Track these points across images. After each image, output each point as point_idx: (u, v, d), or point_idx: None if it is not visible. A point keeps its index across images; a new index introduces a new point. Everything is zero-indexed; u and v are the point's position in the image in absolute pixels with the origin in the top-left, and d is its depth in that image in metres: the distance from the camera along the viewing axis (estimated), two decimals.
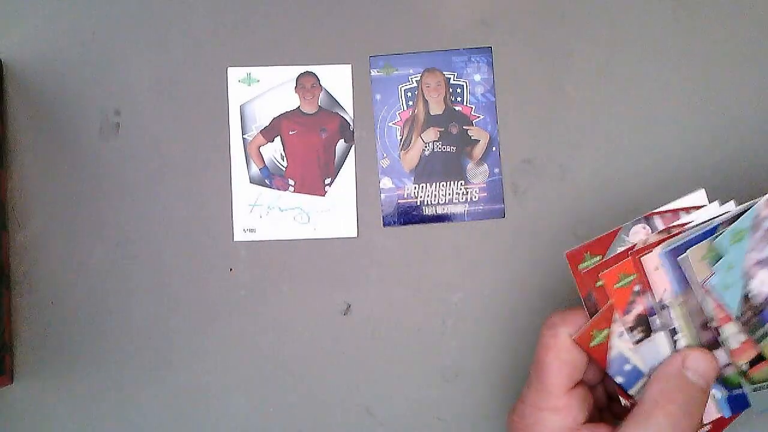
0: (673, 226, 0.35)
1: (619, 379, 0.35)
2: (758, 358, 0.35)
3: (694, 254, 0.33)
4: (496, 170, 0.47)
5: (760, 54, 0.47)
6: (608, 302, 0.34)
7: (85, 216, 0.47)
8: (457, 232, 0.47)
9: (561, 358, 0.35)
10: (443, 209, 0.47)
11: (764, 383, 0.35)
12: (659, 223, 0.35)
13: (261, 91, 0.47)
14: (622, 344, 0.35)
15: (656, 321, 0.35)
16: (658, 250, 0.34)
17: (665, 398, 0.33)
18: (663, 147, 0.46)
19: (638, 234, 0.35)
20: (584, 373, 0.36)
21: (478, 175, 0.47)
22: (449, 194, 0.47)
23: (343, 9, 0.47)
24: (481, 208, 0.47)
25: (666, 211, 0.35)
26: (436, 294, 0.46)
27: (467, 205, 0.47)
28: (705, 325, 0.35)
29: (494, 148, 0.47)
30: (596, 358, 0.35)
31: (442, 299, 0.46)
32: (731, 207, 0.34)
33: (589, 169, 0.46)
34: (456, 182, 0.47)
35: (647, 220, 0.35)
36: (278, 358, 0.46)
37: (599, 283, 0.34)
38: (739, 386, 0.36)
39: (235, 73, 0.47)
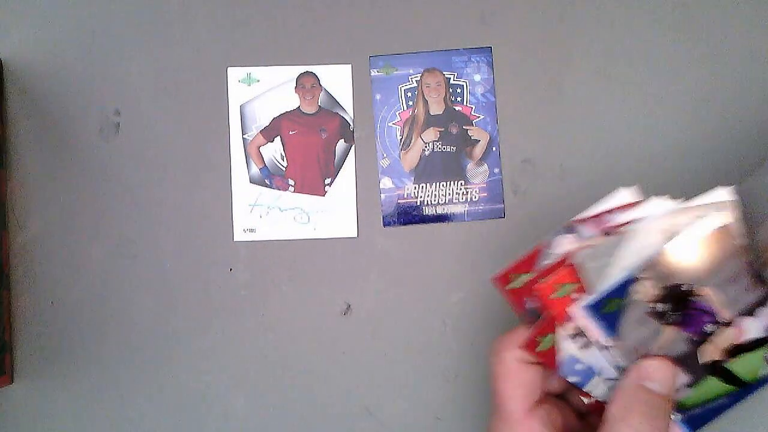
0: (613, 226, 0.34)
1: (572, 379, 0.35)
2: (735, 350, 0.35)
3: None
4: (496, 170, 0.47)
5: (761, 54, 0.47)
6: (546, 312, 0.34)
7: (85, 216, 0.47)
8: (457, 232, 0.47)
9: (511, 382, 0.35)
10: (443, 209, 0.47)
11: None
12: (584, 230, 0.34)
13: (261, 91, 0.47)
14: (570, 346, 0.35)
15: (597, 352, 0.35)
16: (580, 304, 0.33)
17: (627, 411, 0.33)
18: (663, 147, 0.46)
19: (564, 245, 0.34)
20: (547, 385, 0.36)
21: (478, 175, 0.47)
22: (449, 194, 0.47)
23: (343, 9, 0.47)
24: (481, 208, 0.47)
25: (590, 217, 0.34)
26: (436, 294, 0.46)
27: (467, 205, 0.47)
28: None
29: (494, 148, 0.47)
30: (545, 362, 0.35)
31: (442, 299, 0.46)
32: (666, 202, 0.34)
33: (589, 169, 0.46)
34: (456, 182, 0.47)
35: (569, 229, 0.35)
36: (278, 358, 0.46)
37: (532, 299, 0.34)
38: (693, 407, 0.36)
39: (235, 73, 0.47)
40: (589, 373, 0.35)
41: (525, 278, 0.35)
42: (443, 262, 0.46)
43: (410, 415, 0.46)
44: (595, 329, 0.34)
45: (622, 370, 0.34)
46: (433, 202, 0.47)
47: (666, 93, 0.47)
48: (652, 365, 0.34)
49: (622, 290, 0.32)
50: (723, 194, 0.33)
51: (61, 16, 0.47)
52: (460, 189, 0.47)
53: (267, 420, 0.46)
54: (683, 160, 0.46)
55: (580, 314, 0.33)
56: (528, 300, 0.35)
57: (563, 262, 0.33)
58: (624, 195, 0.34)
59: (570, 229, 0.35)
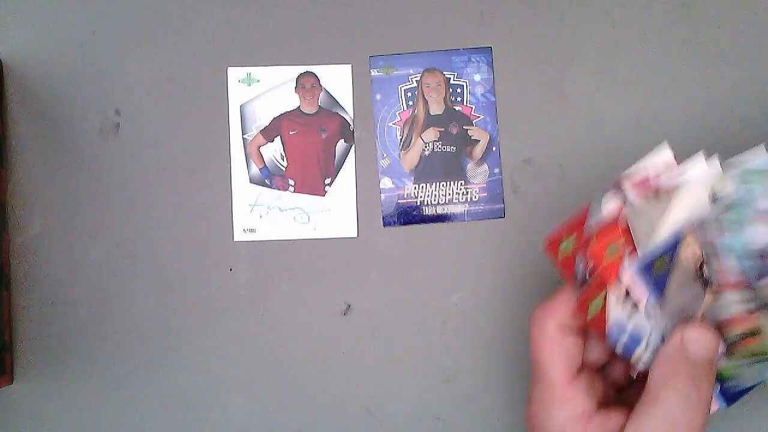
0: (658, 189, 0.34)
1: (619, 348, 0.35)
2: (750, 333, 0.34)
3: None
4: (496, 170, 0.47)
5: (762, 54, 0.47)
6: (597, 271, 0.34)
7: (85, 216, 0.47)
8: (457, 232, 0.47)
9: (553, 350, 0.35)
10: (443, 209, 0.47)
11: (752, 358, 0.35)
12: (628, 186, 0.34)
13: (261, 91, 0.47)
14: (617, 311, 0.34)
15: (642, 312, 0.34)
16: (631, 264, 0.33)
17: (670, 375, 0.33)
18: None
19: (611, 203, 0.34)
20: (587, 355, 0.36)
21: (478, 175, 0.47)
22: (449, 194, 0.47)
23: (343, 9, 0.47)
24: (481, 208, 0.47)
25: (637, 179, 0.34)
26: (436, 294, 0.46)
27: (467, 205, 0.47)
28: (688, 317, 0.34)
29: (494, 148, 0.47)
30: (594, 329, 0.35)
31: (442, 299, 0.46)
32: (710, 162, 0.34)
33: (589, 169, 0.46)
34: (456, 182, 0.47)
35: (617, 185, 0.35)
36: (278, 358, 0.46)
37: (583, 262, 0.34)
38: (729, 379, 0.36)
39: (235, 73, 0.47)
40: (635, 341, 0.35)
41: (573, 241, 0.35)
42: (443, 262, 0.46)
43: (410, 415, 0.46)
44: (643, 291, 0.33)
45: (665, 335, 0.34)
46: (433, 202, 0.47)
47: (666, 93, 0.47)
48: (695, 330, 0.34)
49: (670, 249, 0.32)
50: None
51: (61, 16, 0.47)
52: (460, 189, 0.47)
53: (267, 420, 0.46)
54: (684, 160, 0.46)
55: (630, 274, 0.33)
56: (578, 263, 0.35)
57: (613, 222, 0.33)
58: (667, 152, 0.34)
59: (618, 186, 0.35)
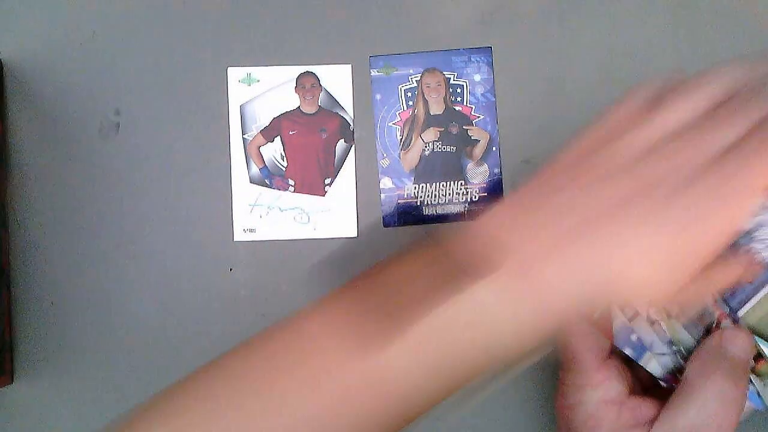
0: None
1: (627, 351, 0.36)
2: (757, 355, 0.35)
3: None
4: (496, 170, 0.47)
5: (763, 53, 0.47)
6: None
7: (85, 216, 0.47)
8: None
9: (582, 336, 0.36)
10: (443, 209, 0.47)
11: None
12: None
13: (261, 91, 0.47)
14: (620, 315, 0.35)
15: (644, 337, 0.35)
16: None
17: (708, 371, 0.33)
18: None
19: None
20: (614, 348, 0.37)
21: (478, 175, 0.47)
22: (449, 194, 0.47)
23: (343, 9, 0.47)
24: (481, 208, 0.47)
25: None
26: None
27: (467, 205, 0.47)
28: (707, 329, 0.35)
29: (494, 148, 0.47)
30: (602, 330, 0.36)
31: None
32: None
33: None
34: (456, 182, 0.47)
35: None
36: None
37: None
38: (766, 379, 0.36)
39: (235, 73, 0.47)
40: (641, 349, 0.35)
41: None
42: None
43: None
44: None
45: (673, 345, 0.35)
46: (433, 202, 0.47)
47: None
48: (734, 331, 0.35)
49: None
50: None
51: (61, 16, 0.47)
52: (460, 189, 0.47)
53: None
54: None
55: None
56: None
57: None
58: None
59: None
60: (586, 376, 0.36)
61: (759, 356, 0.35)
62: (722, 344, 0.34)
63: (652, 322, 0.35)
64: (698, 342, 0.35)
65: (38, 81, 0.47)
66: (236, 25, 0.47)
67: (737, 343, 0.34)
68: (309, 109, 0.47)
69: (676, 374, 0.36)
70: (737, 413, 0.33)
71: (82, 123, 0.47)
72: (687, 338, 0.35)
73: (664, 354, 0.35)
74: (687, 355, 0.35)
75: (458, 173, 0.47)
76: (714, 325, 0.35)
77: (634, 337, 0.35)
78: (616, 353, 0.37)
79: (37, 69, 0.47)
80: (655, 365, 0.35)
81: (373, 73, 0.47)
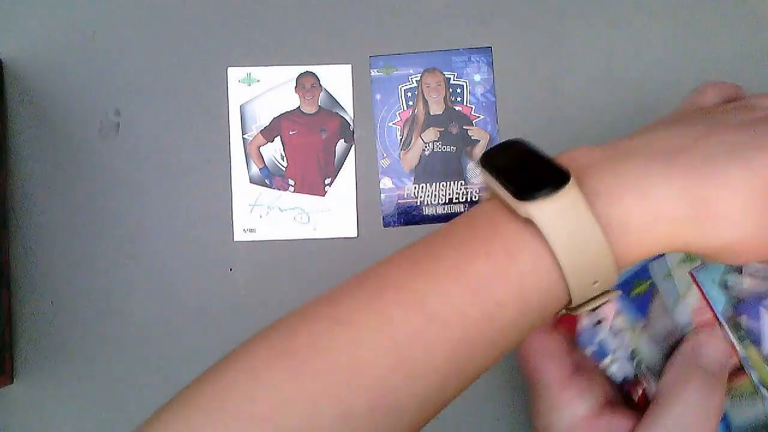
0: None
1: (588, 351, 0.35)
2: (738, 368, 0.34)
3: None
4: None
5: (762, 55, 0.47)
6: None
7: (85, 216, 0.47)
8: None
9: (540, 353, 0.35)
10: (443, 209, 0.47)
11: (744, 395, 0.34)
12: None
13: (261, 91, 0.47)
14: (585, 320, 0.34)
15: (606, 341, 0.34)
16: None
17: (682, 382, 0.32)
18: None
19: None
20: (578, 355, 0.36)
21: (478, 175, 0.47)
22: (449, 194, 0.47)
23: (343, 9, 0.47)
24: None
25: None
26: None
27: (467, 205, 0.47)
28: (673, 346, 0.34)
29: None
30: (565, 329, 0.34)
31: None
32: None
33: None
34: (456, 182, 0.47)
35: None
36: None
37: None
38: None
39: (235, 73, 0.47)
40: (602, 353, 0.35)
41: None
42: None
43: None
44: (612, 310, 0.33)
45: (634, 356, 0.34)
46: (433, 202, 0.47)
47: (666, 93, 0.47)
48: (707, 338, 0.33)
49: (646, 271, 0.32)
50: None
51: (61, 16, 0.47)
52: (460, 189, 0.47)
53: None
54: None
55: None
56: None
57: None
58: None
59: None
60: (552, 399, 0.34)
61: (738, 370, 0.34)
62: (696, 349, 0.33)
63: (616, 332, 0.34)
64: (663, 359, 0.34)
65: (38, 81, 0.47)
66: (236, 25, 0.47)
67: (711, 350, 0.33)
68: (309, 109, 0.47)
69: (635, 382, 0.35)
70: (715, 423, 0.32)
71: (82, 123, 0.47)
72: (650, 353, 0.34)
73: (626, 360, 0.34)
74: (647, 368, 0.34)
75: (458, 173, 0.47)
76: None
77: (597, 339, 0.34)
78: (583, 368, 0.35)
79: (37, 69, 0.47)
80: (615, 370, 0.35)
81: (373, 73, 0.47)
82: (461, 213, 0.46)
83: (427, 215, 0.47)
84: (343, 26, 0.47)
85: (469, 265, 0.27)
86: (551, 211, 0.26)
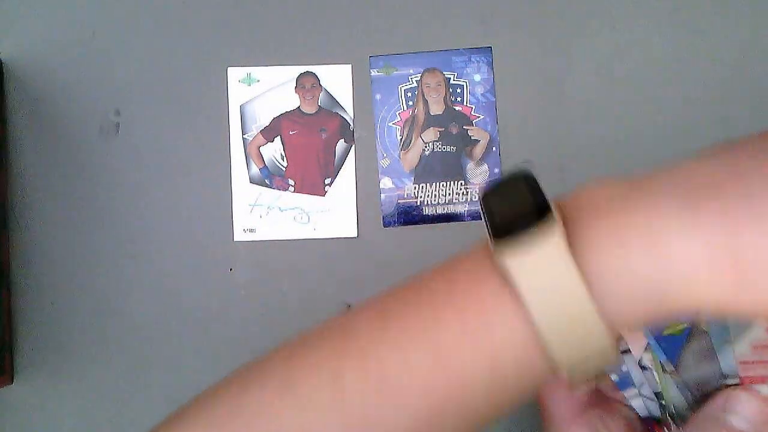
0: None
1: (613, 377, 0.34)
2: None
3: None
4: (496, 170, 0.47)
5: (762, 54, 0.47)
6: None
7: (84, 216, 0.47)
8: (458, 232, 0.46)
9: (554, 388, 0.33)
10: (443, 209, 0.47)
11: None
12: None
13: (261, 91, 0.47)
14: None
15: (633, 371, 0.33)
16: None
17: None
18: (663, 147, 0.46)
19: None
20: (595, 385, 0.34)
21: (478, 175, 0.47)
22: (449, 194, 0.47)
23: (343, 9, 0.47)
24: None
25: None
26: None
27: (467, 205, 0.47)
28: (706, 394, 0.31)
29: (494, 148, 0.47)
30: None
31: None
32: None
33: (589, 169, 0.46)
34: (456, 182, 0.47)
35: None
36: None
37: None
38: None
39: (235, 73, 0.47)
40: (626, 383, 0.33)
41: None
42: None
43: None
44: (641, 342, 0.32)
45: (661, 399, 0.32)
46: (433, 202, 0.47)
47: (666, 93, 0.47)
48: (740, 396, 0.30)
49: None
50: None
51: (61, 16, 0.47)
52: (460, 189, 0.47)
53: None
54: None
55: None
56: None
57: None
58: None
59: None
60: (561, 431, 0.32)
61: None
62: (729, 406, 0.30)
63: (643, 368, 0.32)
64: (690, 407, 0.32)
65: (38, 81, 0.47)
66: (236, 25, 0.47)
67: (744, 412, 0.29)
68: (309, 109, 0.47)
69: (660, 423, 0.33)
70: None
71: (82, 123, 0.47)
72: (678, 398, 0.32)
73: (649, 399, 0.32)
74: (675, 413, 0.32)
75: (458, 173, 0.47)
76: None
77: (623, 368, 0.33)
78: (604, 397, 0.34)
79: (37, 69, 0.47)
80: (639, 404, 0.33)
81: (373, 73, 0.47)
82: (461, 213, 0.46)
83: (427, 215, 0.47)
84: (343, 26, 0.47)
85: (436, 331, 0.24)
86: (528, 264, 0.21)
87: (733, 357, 0.31)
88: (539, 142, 0.47)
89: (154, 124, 0.47)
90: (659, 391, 0.32)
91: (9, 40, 0.47)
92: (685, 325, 0.31)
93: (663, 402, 0.32)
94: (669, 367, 0.32)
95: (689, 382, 0.31)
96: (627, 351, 0.33)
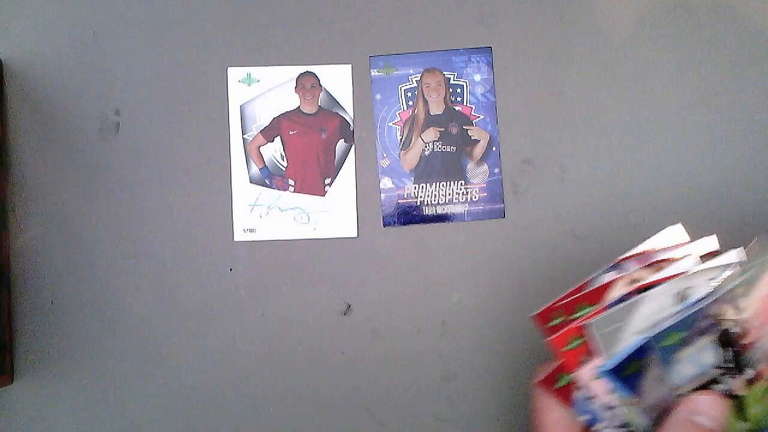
0: (655, 262, 0.34)
1: (583, 417, 0.35)
2: None
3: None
4: (496, 170, 0.47)
5: (762, 54, 0.47)
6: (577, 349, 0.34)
7: (85, 216, 0.47)
8: (457, 232, 0.47)
9: (552, 412, 0.35)
10: (443, 209, 0.47)
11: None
12: (629, 265, 0.35)
13: (261, 91, 0.47)
14: (579, 393, 0.35)
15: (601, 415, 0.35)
16: (598, 367, 0.33)
17: None
18: (663, 148, 0.46)
19: (606, 276, 0.35)
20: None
21: (478, 175, 0.47)
22: (449, 194, 0.47)
23: (343, 9, 0.47)
24: (481, 208, 0.47)
25: (636, 254, 0.35)
26: (436, 294, 0.46)
27: (467, 205, 0.47)
28: (664, 411, 0.33)
29: (494, 148, 0.47)
30: (562, 399, 0.35)
31: (442, 299, 0.46)
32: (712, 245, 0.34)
33: (589, 169, 0.46)
34: (456, 182, 0.47)
35: (614, 266, 0.35)
36: (278, 358, 0.46)
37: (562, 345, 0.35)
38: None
39: (235, 73, 0.47)
40: (595, 421, 0.35)
41: (561, 319, 0.35)
42: (443, 262, 0.46)
43: (410, 415, 0.46)
44: (603, 389, 0.34)
45: (629, 426, 0.34)
46: (433, 202, 0.47)
47: (666, 92, 0.47)
48: (703, 399, 0.32)
49: (641, 353, 0.32)
50: (734, 256, 0.33)
51: (61, 16, 0.47)
52: (460, 189, 0.47)
53: (267, 419, 0.46)
54: (684, 160, 0.46)
55: (592, 374, 0.34)
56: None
57: (579, 326, 0.34)
58: (670, 233, 0.35)
59: (615, 267, 0.35)
60: None
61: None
62: (690, 413, 0.32)
63: (610, 407, 0.34)
64: (655, 421, 0.34)
65: (38, 81, 0.47)
66: (236, 25, 0.47)
67: (709, 413, 0.32)
68: (309, 109, 0.47)
69: None
70: None
71: (82, 123, 0.47)
72: (644, 422, 0.34)
73: (619, 428, 0.34)
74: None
75: (458, 173, 0.47)
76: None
77: (591, 408, 0.35)
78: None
79: (37, 69, 0.47)
80: None
81: (373, 73, 0.47)
82: (461, 213, 0.47)
83: (427, 215, 0.47)
84: (343, 26, 0.47)
85: None
86: None
87: (680, 370, 0.33)
88: (539, 142, 0.47)
89: (154, 123, 0.47)
90: (626, 421, 0.34)
91: (9, 40, 0.47)
92: (642, 362, 0.33)
93: (632, 429, 0.34)
94: (634, 400, 0.33)
95: (651, 404, 0.33)
96: (594, 397, 0.35)
